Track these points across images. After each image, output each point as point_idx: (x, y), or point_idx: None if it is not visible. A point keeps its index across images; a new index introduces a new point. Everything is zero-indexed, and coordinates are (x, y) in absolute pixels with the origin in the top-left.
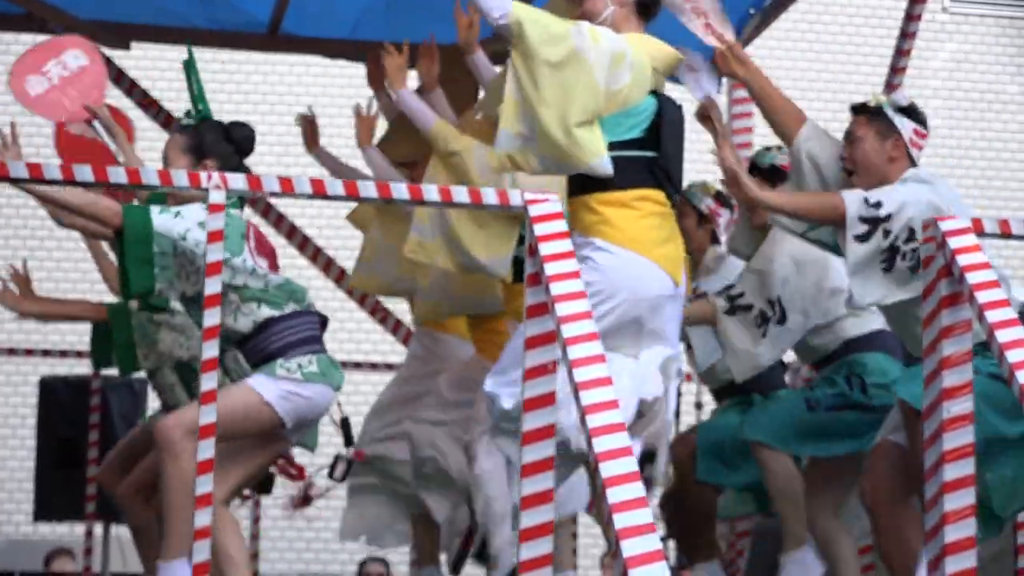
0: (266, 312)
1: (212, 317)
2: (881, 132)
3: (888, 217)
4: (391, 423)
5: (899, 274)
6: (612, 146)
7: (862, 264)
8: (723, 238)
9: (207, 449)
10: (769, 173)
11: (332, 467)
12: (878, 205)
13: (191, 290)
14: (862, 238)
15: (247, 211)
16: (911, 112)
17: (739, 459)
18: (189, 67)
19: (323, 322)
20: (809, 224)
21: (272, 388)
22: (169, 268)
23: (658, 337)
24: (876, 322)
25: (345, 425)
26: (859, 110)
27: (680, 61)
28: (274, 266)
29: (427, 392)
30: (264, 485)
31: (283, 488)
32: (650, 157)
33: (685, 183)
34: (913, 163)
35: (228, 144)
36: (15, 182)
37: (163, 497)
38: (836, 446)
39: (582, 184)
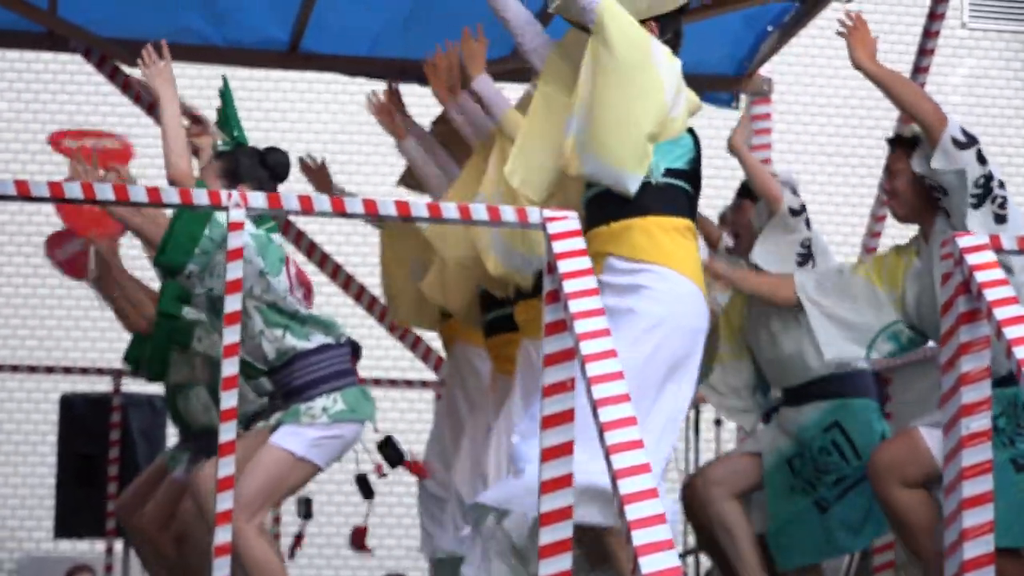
0: (291, 342)
1: (232, 334)
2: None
3: (977, 142)
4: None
5: (986, 213)
6: (667, 173)
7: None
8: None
9: (227, 467)
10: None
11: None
12: (974, 135)
13: (220, 289)
14: (960, 144)
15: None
16: None
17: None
18: (225, 95)
19: (355, 351)
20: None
21: (300, 441)
22: (208, 254)
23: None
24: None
25: (389, 444)
26: (896, 143)
27: (699, 108)
28: (309, 297)
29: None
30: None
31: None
32: (690, 192)
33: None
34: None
35: (263, 169)
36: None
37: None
38: (868, 530)
39: (640, 206)
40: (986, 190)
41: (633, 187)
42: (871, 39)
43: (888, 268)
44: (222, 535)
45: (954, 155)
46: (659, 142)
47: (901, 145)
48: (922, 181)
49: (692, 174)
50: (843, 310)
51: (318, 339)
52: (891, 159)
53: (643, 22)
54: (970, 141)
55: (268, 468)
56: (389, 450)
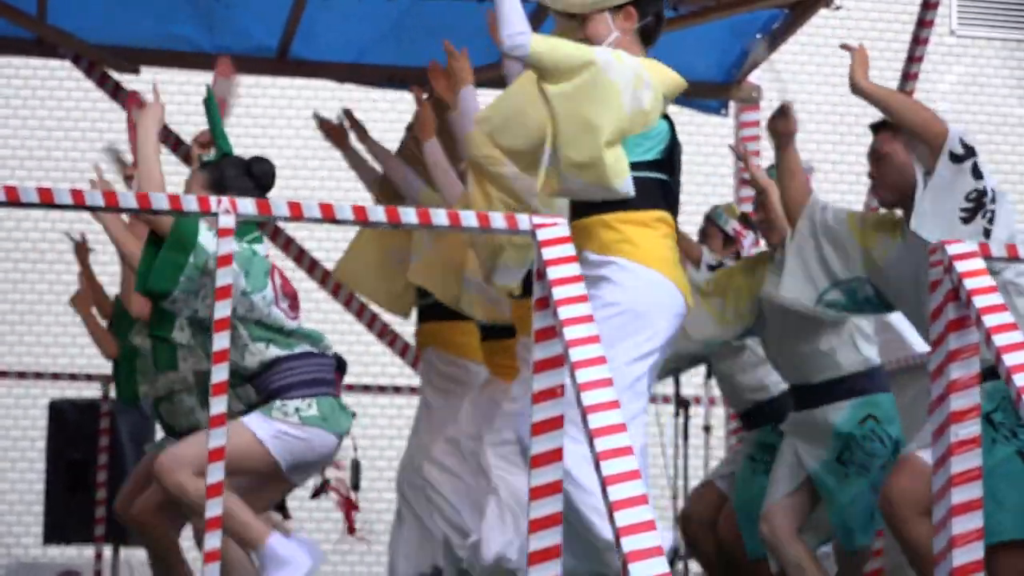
0: (274, 351)
1: (222, 341)
2: (907, 144)
3: (977, 154)
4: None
5: (976, 230)
6: (633, 166)
7: (943, 191)
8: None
9: (216, 472)
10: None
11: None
12: (973, 145)
13: (204, 311)
14: (957, 159)
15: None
16: None
17: None
18: (209, 104)
19: (340, 366)
20: (826, 279)
21: (265, 427)
22: (194, 281)
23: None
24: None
25: (356, 468)
26: (880, 127)
27: (683, 88)
28: (295, 307)
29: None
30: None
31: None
32: (664, 180)
33: (709, 205)
34: None
35: (249, 179)
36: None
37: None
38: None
39: (603, 203)
40: (978, 204)
41: (628, 189)
42: (867, 61)
43: (870, 226)
44: (212, 540)
45: (950, 168)
46: (627, 136)
47: (886, 128)
48: (910, 167)
49: (665, 162)
50: (822, 250)
51: (302, 348)
52: (875, 142)
53: (621, 8)
54: (967, 154)
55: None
56: (353, 474)
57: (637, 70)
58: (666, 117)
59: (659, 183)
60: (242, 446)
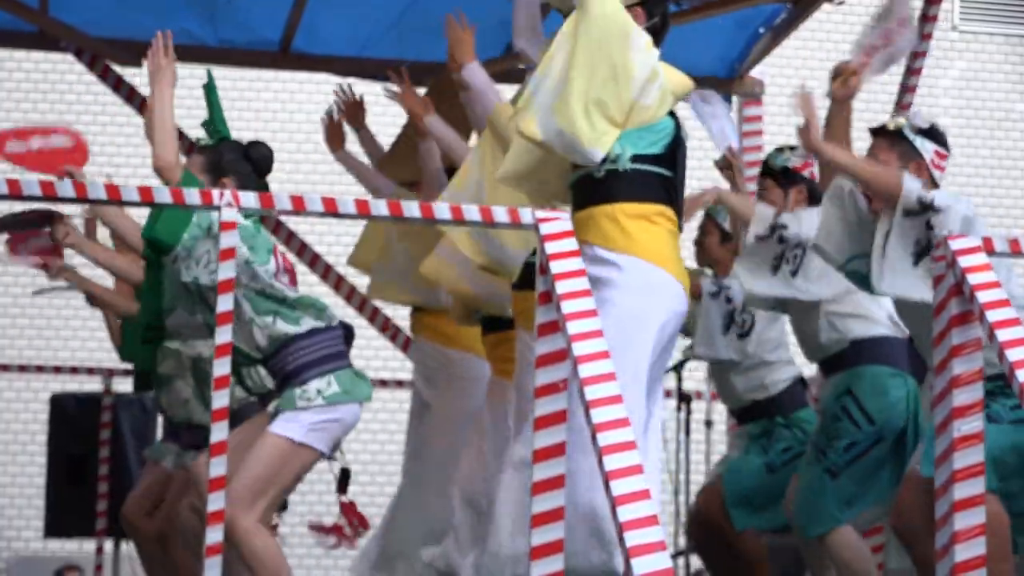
0: (281, 327)
1: (224, 334)
2: (903, 156)
3: (937, 210)
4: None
5: (926, 271)
6: (635, 159)
7: (897, 246)
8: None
9: (218, 466)
10: (782, 174)
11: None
12: (933, 199)
13: (205, 278)
14: (910, 214)
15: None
16: (932, 134)
17: (769, 502)
18: (209, 89)
19: (348, 334)
20: (851, 249)
21: (298, 428)
22: (195, 240)
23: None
24: (883, 327)
25: (344, 475)
26: (879, 132)
27: (691, 89)
28: (294, 282)
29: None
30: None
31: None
32: (667, 175)
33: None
34: (935, 185)
35: (247, 163)
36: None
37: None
38: (871, 496)
39: (606, 193)
40: (926, 250)
41: (590, 158)
42: (815, 114)
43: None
44: (213, 535)
45: (903, 224)
46: (627, 128)
47: (884, 136)
48: (908, 163)
49: (668, 157)
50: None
51: (308, 323)
52: (872, 149)
53: (630, 9)
54: (922, 210)
55: (266, 456)
56: (342, 479)
57: (656, 66)
58: (672, 114)
59: (662, 178)
60: (284, 456)
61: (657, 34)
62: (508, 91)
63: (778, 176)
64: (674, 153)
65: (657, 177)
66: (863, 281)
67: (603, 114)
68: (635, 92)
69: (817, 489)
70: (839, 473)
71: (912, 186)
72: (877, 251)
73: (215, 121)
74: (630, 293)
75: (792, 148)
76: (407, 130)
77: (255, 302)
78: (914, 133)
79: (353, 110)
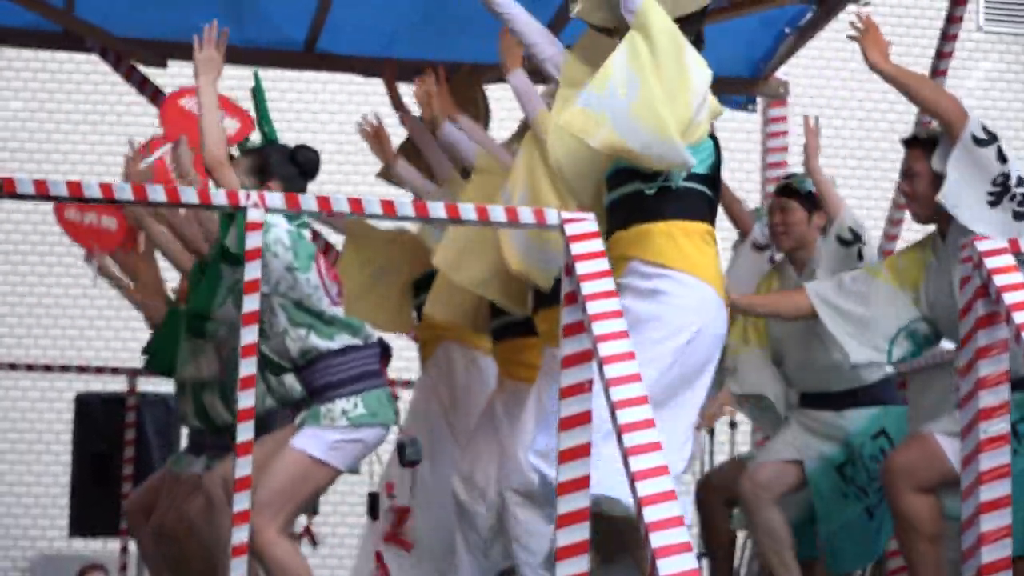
0: (314, 341)
1: (250, 334)
2: (938, 158)
3: (998, 140)
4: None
5: (1003, 213)
6: (688, 177)
7: (970, 176)
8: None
9: (244, 467)
10: (807, 198)
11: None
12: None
13: (266, 287)
14: (980, 143)
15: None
16: None
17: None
18: (256, 91)
19: (385, 352)
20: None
21: (319, 444)
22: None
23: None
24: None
25: (373, 499)
26: (912, 143)
27: (721, 113)
28: (341, 294)
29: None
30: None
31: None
32: (711, 196)
33: None
34: None
35: (292, 166)
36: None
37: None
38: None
39: (657, 210)
40: (1004, 188)
41: (687, 159)
42: (883, 40)
43: (904, 266)
44: (239, 535)
45: (974, 152)
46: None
47: (919, 146)
48: (941, 180)
49: (713, 179)
50: (863, 311)
51: (343, 340)
52: (909, 160)
53: None
54: (991, 138)
55: (286, 469)
56: (371, 503)
57: (707, 83)
58: (712, 137)
59: (707, 198)
60: (305, 472)
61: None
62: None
63: (803, 199)
64: (717, 174)
65: (703, 196)
66: (913, 355)
67: (678, 117)
68: (694, 108)
69: (857, 528)
70: (874, 513)
71: (976, 118)
72: (952, 174)
73: (262, 123)
74: (682, 310)
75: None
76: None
77: (291, 313)
78: None
79: (377, 144)
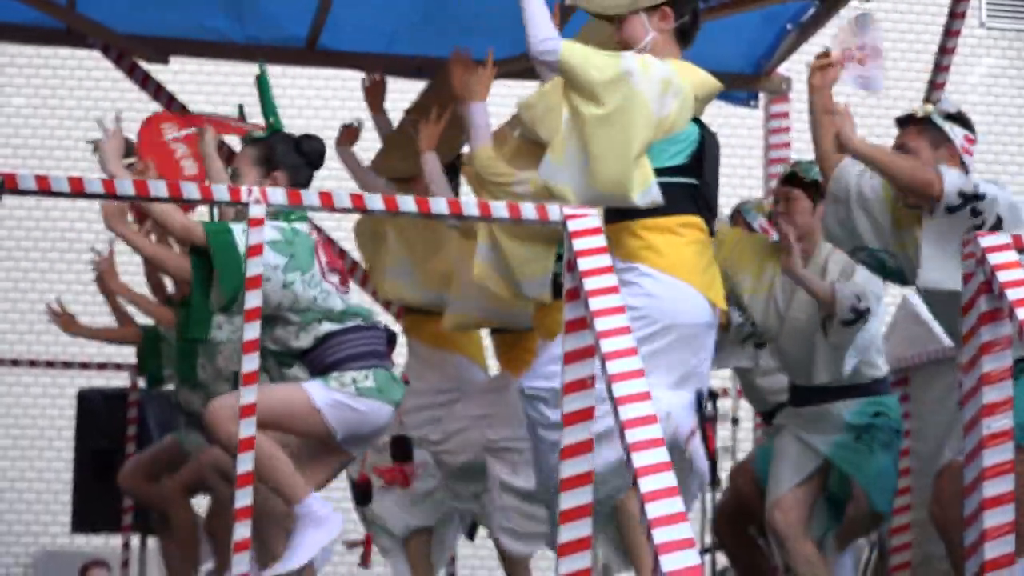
0: (326, 327)
1: (252, 331)
2: (933, 141)
3: (982, 197)
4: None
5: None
6: (657, 172)
7: (942, 239)
8: None
9: (248, 427)
10: (813, 187)
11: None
12: (976, 186)
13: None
14: (953, 209)
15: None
16: (959, 119)
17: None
18: (261, 81)
19: (390, 338)
20: (857, 240)
21: (322, 393)
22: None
23: (697, 377)
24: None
25: (365, 488)
26: (906, 121)
27: (718, 89)
28: (344, 282)
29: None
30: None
31: None
32: (693, 184)
33: (738, 197)
34: (966, 170)
35: (298, 156)
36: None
37: (260, 472)
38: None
39: (626, 211)
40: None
41: (652, 199)
42: (851, 119)
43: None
44: (243, 498)
45: (948, 220)
46: (651, 143)
47: (913, 123)
48: (940, 151)
49: (693, 166)
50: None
51: (353, 320)
52: (902, 136)
53: (657, 8)
54: (964, 201)
55: (282, 392)
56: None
57: (665, 76)
58: (696, 120)
59: (687, 187)
60: (296, 406)
61: (686, 33)
62: (528, 88)
63: (808, 188)
64: (700, 160)
65: (681, 187)
66: (871, 268)
67: (638, 154)
68: (654, 111)
69: (892, 478)
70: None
71: (952, 182)
72: (924, 244)
73: (268, 113)
74: (647, 297)
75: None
76: (403, 126)
77: (302, 316)
78: (943, 118)
79: (374, 92)
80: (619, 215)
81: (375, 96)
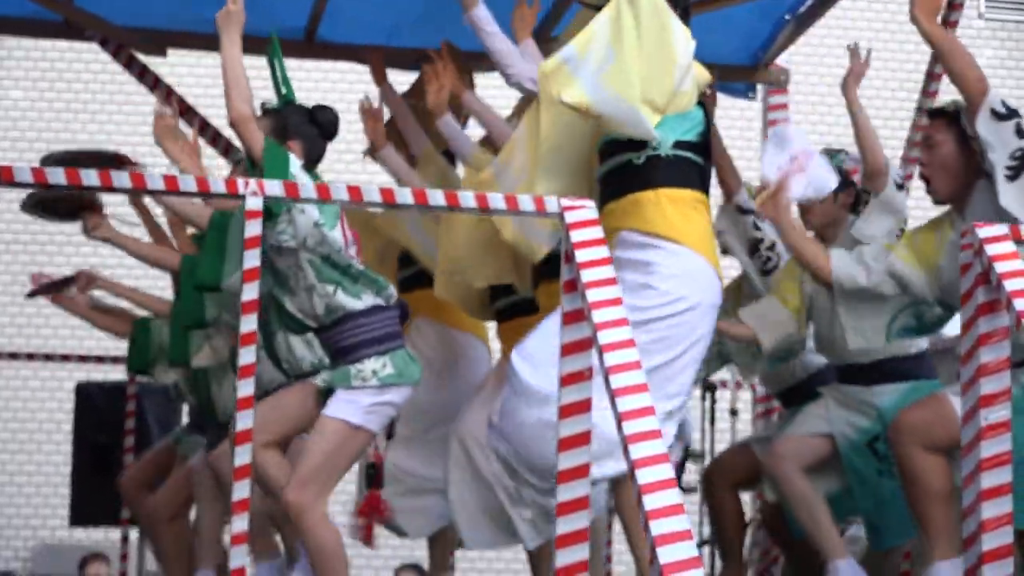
0: (341, 299)
1: (248, 323)
2: (959, 137)
3: (1019, 116)
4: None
5: (1020, 187)
6: (676, 145)
7: (988, 149)
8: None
9: (243, 456)
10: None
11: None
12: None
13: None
14: (999, 117)
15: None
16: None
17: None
18: (273, 53)
19: (404, 313)
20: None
21: (355, 410)
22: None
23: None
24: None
25: (374, 470)
26: (936, 114)
27: (709, 81)
28: (359, 253)
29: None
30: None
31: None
32: (702, 164)
33: None
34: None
35: (313, 127)
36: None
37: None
38: None
39: (647, 178)
40: (1022, 163)
41: (648, 129)
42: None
43: (919, 244)
44: (239, 524)
45: (991, 126)
46: (667, 115)
47: (942, 116)
48: (967, 145)
49: (703, 146)
50: (871, 294)
51: (369, 300)
52: (930, 129)
53: None
54: (1009, 114)
55: (326, 441)
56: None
57: (691, 55)
58: (701, 104)
59: (698, 166)
60: (344, 439)
61: (683, 16)
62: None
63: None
64: (707, 142)
65: (694, 165)
66: (915, 332)
67: (652, 95)
68: (677, 79)
69: (896, 504)
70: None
71: (997, 93)
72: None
73: (281, 84)
74: (670, 280)
75: (845, 152)
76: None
77: (319, 269)
78: (991, 116)
79: (377, 61)
80: (635, 184)
81: (378, 66)
